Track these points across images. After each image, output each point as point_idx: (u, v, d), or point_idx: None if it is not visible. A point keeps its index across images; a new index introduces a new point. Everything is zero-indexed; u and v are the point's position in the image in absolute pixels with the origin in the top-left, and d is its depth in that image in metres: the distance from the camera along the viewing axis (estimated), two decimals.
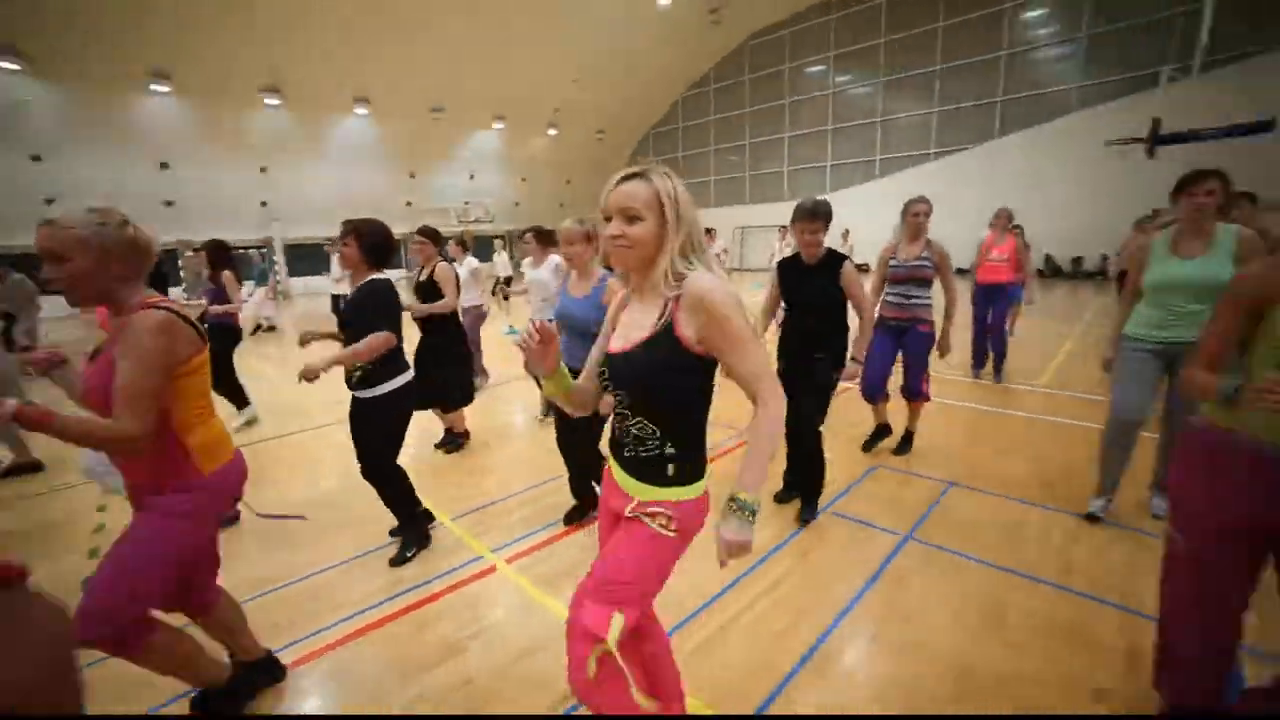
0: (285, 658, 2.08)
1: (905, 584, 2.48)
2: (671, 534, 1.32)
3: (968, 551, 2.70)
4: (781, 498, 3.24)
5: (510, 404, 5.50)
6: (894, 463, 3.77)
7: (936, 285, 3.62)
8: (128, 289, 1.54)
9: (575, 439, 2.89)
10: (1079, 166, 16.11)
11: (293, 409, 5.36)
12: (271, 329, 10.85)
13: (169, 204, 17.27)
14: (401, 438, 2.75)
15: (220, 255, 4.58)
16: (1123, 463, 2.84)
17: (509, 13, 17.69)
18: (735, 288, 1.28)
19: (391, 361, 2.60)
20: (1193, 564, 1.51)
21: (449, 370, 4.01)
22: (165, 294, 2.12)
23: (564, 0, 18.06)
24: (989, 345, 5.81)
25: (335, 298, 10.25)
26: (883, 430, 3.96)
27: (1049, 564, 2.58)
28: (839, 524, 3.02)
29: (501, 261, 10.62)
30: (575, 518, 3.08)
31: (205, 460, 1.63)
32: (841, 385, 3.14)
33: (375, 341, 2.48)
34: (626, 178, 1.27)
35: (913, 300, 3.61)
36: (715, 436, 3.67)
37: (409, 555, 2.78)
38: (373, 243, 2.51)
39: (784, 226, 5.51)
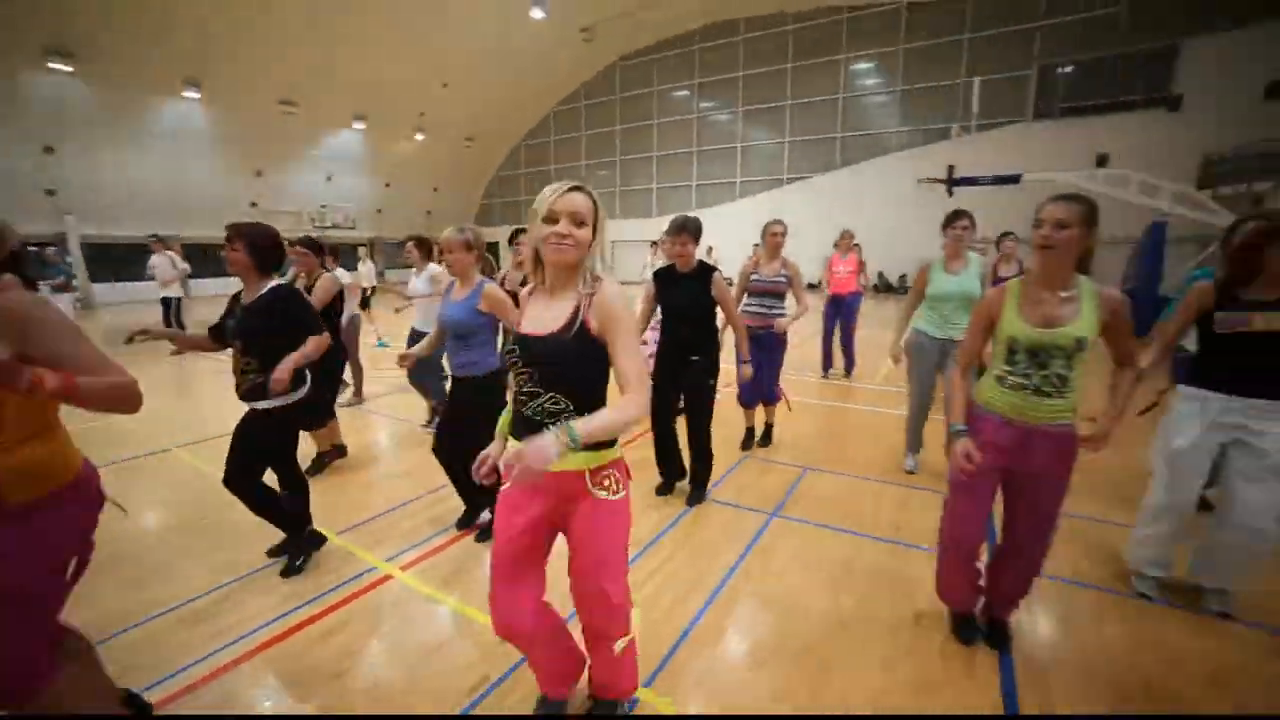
0: (153, 696, 1.93)
1: (772, 553, 2.88)
2: (622, 494, 1.56)
3: (821, 521, 3.20)
4: (662, 491, 3.53)
5: (389, 417, 5.30)
6: (758, 453, 4.26)
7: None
8: None
9: (459, 445, 2.94)
10: (900, 198, 18.85)
11: (122, 435, 4.71)
12: None
13: None
14: (287, 452, 2.65)
15: None
16: (920, 429, 3.79)
17: (363, 6, 16.70)
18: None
19: (298, 372, 2.52)
20: (961, 501, 2.08)
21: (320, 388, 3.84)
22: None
23: (428, 0, 17.47)
24: (842, 350, 6.74)
25: (166, 302, 9.04)
26: (751, 433, 4.39)
27: (883, 525, 3.15)
28: (714, 509, 3.38)
29: (367, 271, 10.01)
30: (467, 522, 3.12)
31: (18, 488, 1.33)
32: (720, 386, 3.51)
33: (320, 343, 2.52)
34: (573, 189, 1.48)
35: (773, 311, 4.05)
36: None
37: (299, 564, 2.67)
38: (264, 247, 2.42)
39: (655, 241, 5.92)
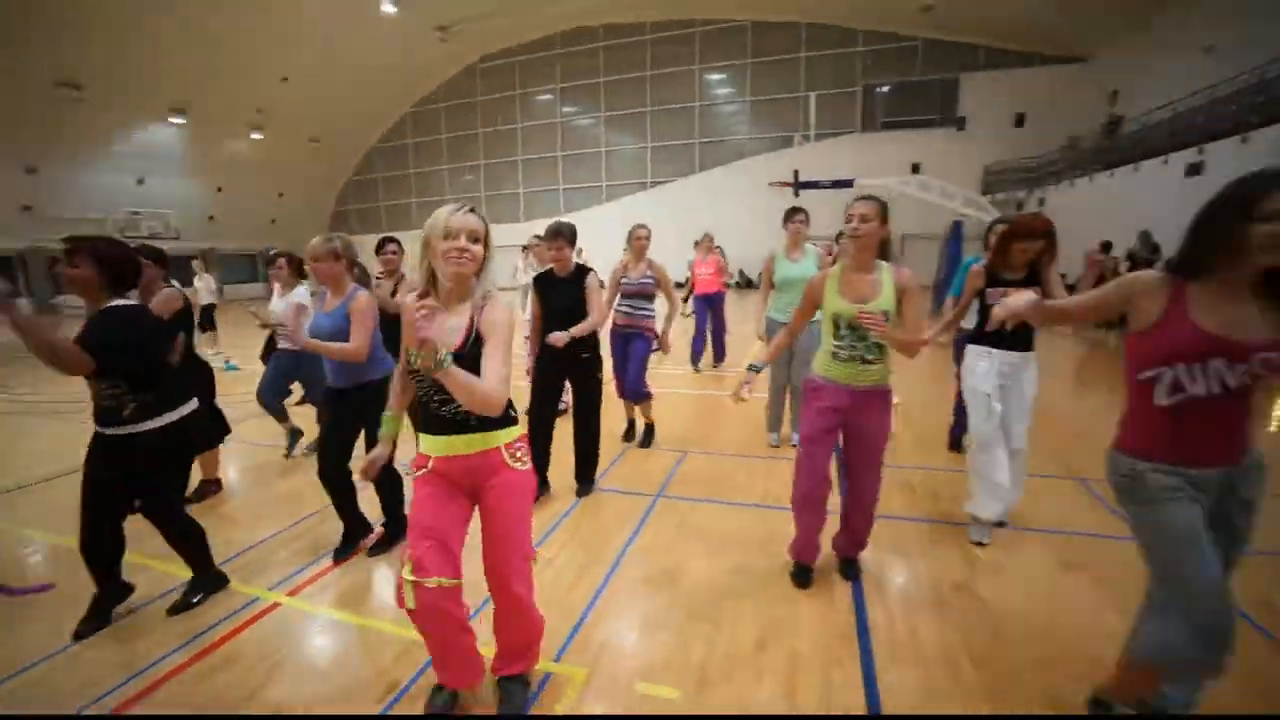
0: None
1: (660, 529, 3.15)
2: (529, 465, 1.79)
3: (701, 497, 3.53)
4: (541, 491, 3.58)
5: (249, 445, 4.86)
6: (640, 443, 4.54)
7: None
8: None
9: (347, 461, 2.88)
10: (754, 199, 20.46)
11: None
12: None
13: None
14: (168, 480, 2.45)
15: None
16: (779, 407, 4.27)
17: None
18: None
19: (164, 390, 2.32)
20: (807, 457, 2.45)
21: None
22: None
23: None
24: (711, 343, 7.25)
25: None
26: (634, 426, 4.62)
27: (754, 493, 3.56)
28: (603, 497, 3.59)
29: (204, 285, 8.92)
30: (345, 553, 2.93)
31: None
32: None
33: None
34: (469, 210, 1.65)
35: (640, 312, 4.22)
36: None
37: (195, 601, 2.48)
38: (118, 265, 2.20)
39: (526, 246, 6.00)
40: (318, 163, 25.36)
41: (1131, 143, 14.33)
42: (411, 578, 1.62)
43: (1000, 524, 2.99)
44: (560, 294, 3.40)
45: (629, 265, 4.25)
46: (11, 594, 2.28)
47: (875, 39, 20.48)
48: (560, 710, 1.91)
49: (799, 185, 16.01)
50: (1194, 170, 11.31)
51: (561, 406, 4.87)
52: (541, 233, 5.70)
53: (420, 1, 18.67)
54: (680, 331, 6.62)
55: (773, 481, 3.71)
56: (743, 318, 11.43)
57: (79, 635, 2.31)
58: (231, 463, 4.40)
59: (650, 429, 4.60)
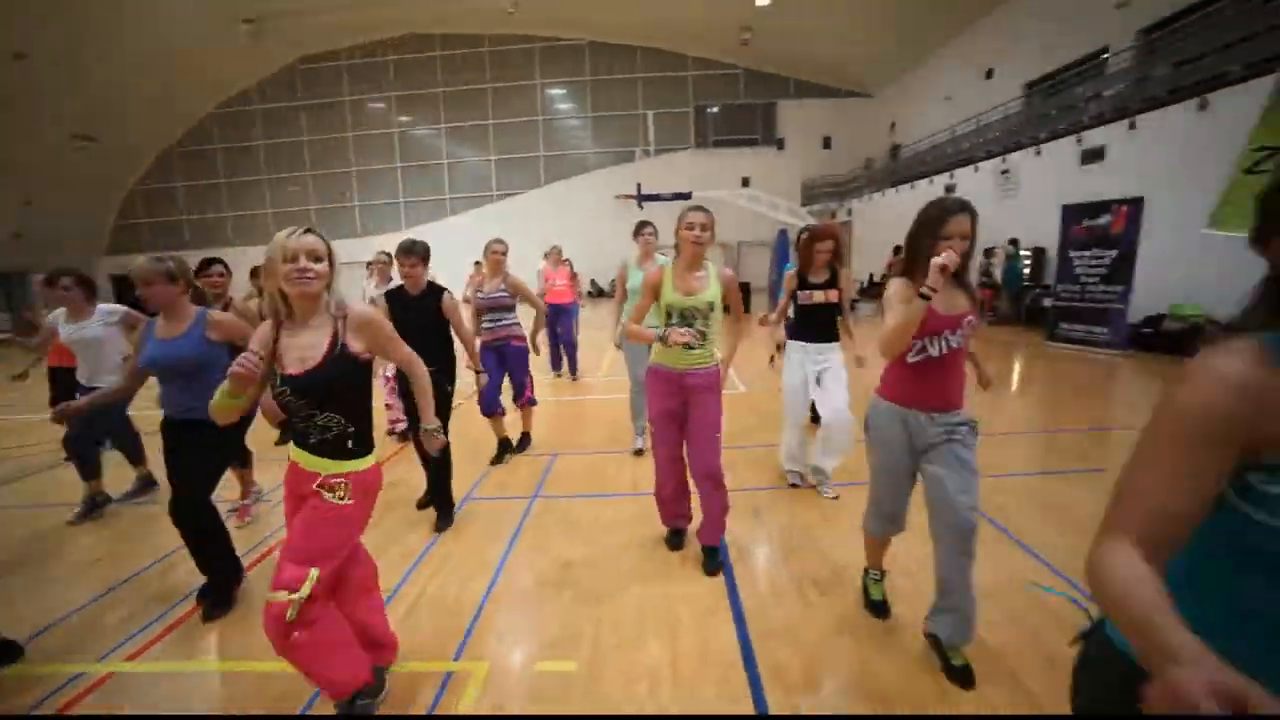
0: None
1: (539, 527, 3.30)
2: (348, 502, 1.76)
3: (575, 493, 3.73)
4: (423, 504, 3.56)
5: (29, 506, 4.08)
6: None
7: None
8: None
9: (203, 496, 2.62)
10: (601, 211, 21.14)
11: None
12: None
13: None
14: None
15: None
16: (642, 407, 4.34)
17: None
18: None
19: None
20: (657, 434, 2.76)
21: None
22: None
23: None
24: (564, 352, 7.42)
25: None
26: (505, 445, 4.46)
27: (624, 484, 3.83)
28: (481, 505, 3.64)
29: None
30: (222, 601, 2.63)
31: None
32: (457, 400, 3.70)
33: None
34: (305, 231, 1.69)
35: (502, 323, 4.25)
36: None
37: None
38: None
39: (370, 262, 5.74)
40: (88, 165, 21.03)
41: (907, 165, 17.28)
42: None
43: (826, 480, 3.60)
44: (414, 312, 3.33)
45: (485, 280, 4.27)
46: None
47: (703, 65, 22.31)
48: (468, 700, 1.98)
49: (642, 198, 16.91)
50: (950, 190, 13.97)
51: (403, 426, 4.78)
52: (385, 249, 5.54)
53: None
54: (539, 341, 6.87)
55: (641, 471, 4.01)
56: (599, 324, 11.85)
57: None
58: (34, 524, 3.68)
59: (526, 436, 4.67)
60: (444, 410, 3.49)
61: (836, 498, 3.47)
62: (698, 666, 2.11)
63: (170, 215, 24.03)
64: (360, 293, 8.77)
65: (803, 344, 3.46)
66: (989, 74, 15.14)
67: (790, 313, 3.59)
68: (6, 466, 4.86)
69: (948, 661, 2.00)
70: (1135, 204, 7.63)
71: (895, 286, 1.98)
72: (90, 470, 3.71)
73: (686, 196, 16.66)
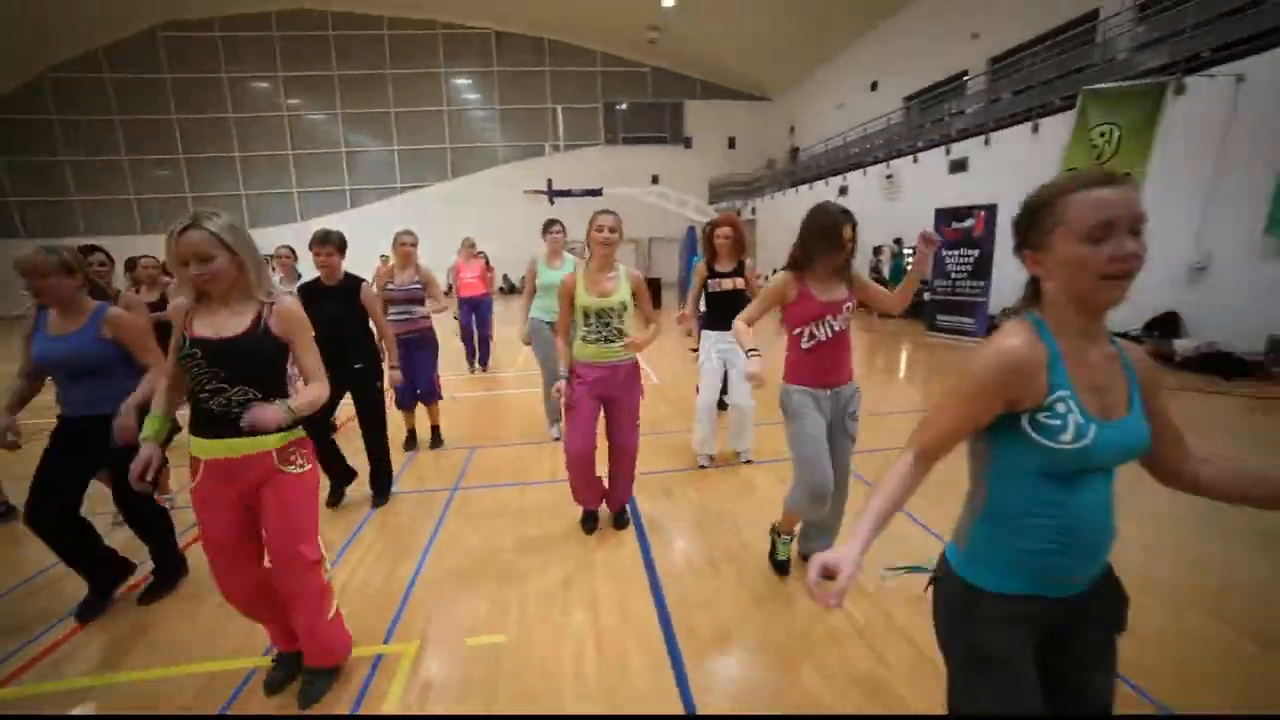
0: None
1: (463, 515, 3.38)
2: (308, 467, 1.84)
3: (496, 483, 3.83)
4: (332, 501, 3.53)
5: None
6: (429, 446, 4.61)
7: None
8: None
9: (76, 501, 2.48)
10: (512, 206, 20.80)
11: None
12: None
13: None
14: None
15: None
16: (556, 402, 4.43)
17: None
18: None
19: None
20: (575, 427, 2.90)
21: None
22: None
23: None
24: (477, 346, 7.39)
25: None
26: (414, 435, 4.55)
27: (544, 472, 3.97)
28: (402, 498, 3.65)
29: None
30: (98, 606, 2.54)
31: None
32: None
33: None
34: (185, 229, 1.62)
35: (413, 316, 4.27)
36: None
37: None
38: None
39: (271, 255, 5.46)
40: None
41: (805, 167, 18.46)
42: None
43: (741, 455, 3.97)
44: (332, 304, 3.30)
45: (395, 271, 4.26)
46: None
47: (611, 61, 22.51)
48: (400, 679, 2.07)
49: (553, 193, 16.87)
50: (843, 191, 15.13)
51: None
52: (285, 243, 5.30)
53: None
54: (451, 333, 6.89)
55: (559, 461, 4.13)
56: (511, 320, 11.78)
57: None
58: None
59: (436, 431, 4.64)
60: (379, 404, 3.51)
61: (749, 461, 3.92)
62: (620, 632, 2.32)
63: None
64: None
65: (714, 332, 3.75)
66: (874, 86, 16.49)
67: (703, 304, 3.87)
68: None
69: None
70: (991, 210, 8.72)
71: (778, 279, 2.29)
72: None
73: (597, 193, 16.81)
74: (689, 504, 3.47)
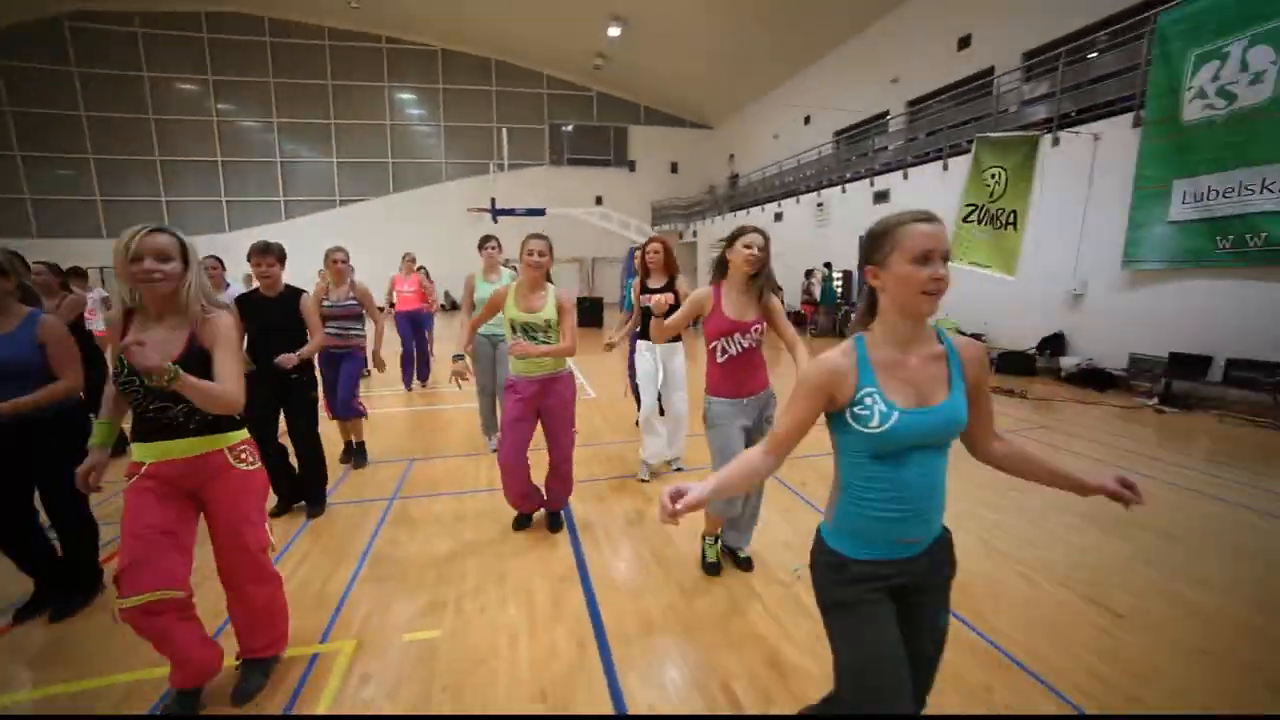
0: None
1: (401, 523, 3.46)
2: (256, 466, 1.93)
3: (434, 492, 3.92)
4: (278, 511, 3.54)
5: None
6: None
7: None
8: None
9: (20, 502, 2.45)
10: (455, 223, 20.64)
11: None
12: None
13: None
14: None
15: None
16: (491, 412, 4.71)
17: None
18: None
19: None
20: (510, 440, 3.07)
21: None
22: None
23: None
24: (416, 362, 7.37)
25: None
26: (351, 445, 4.54)
27: (482, 481, 4.09)
28: (338, 508, 3.69)
29: None
30: (64, 608, 2.52)
31: None
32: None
33: None
34: (153, 231, 1.70)
35: (349, 332, 4.29)
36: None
37: None
38: None
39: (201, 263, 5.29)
40: None
41: (744, 193, 19.32)
42: (120, 602, 1.68)
43: (673, 464, 4.21)
44: (276, 316, 3.35)
45: (329, 288, 4.29)
46: None
47: (557, 84, 22.92)
48: (337, 674, 2.16)
49: (496, 212, 16.94)
50: (778, 218, 15.95)
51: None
52: (213, 254, 5.20)
53: None
54: (391, 353, 6.80)
55: (497, 471, 4.28)
56: (451, 336, 11.74)
57: None
58: None
59: (361, 447, 4.56)
60: (313, 413, 3.55)
61: (680, 469, 4.13)
62: (551, 622, 2.48)
63: None
64: None
65: (650, 343, 3.99)
66: (807, 120, 17.55)
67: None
68: None
69: (737, 556, 2.76)
70: None
71: (699, 291, 2.58)
72: None
73: (540, 213, 16.99)
74: (621, 509, 3.67)
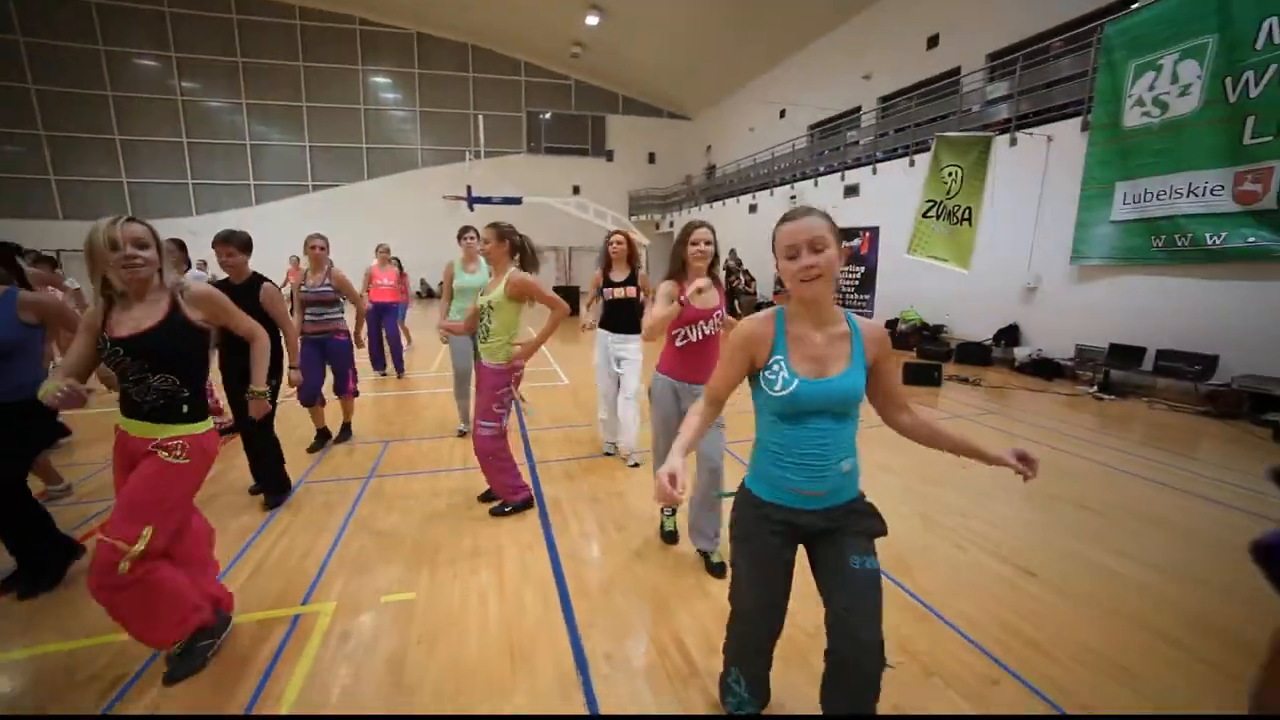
0: None
1: (378, 499, 3.60)
2: (185, 461, 1.93)
3: (410, 471, 4.07)
4: (256, 489, 3.64)
5: None
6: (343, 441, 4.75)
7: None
8: None
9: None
10: (431, 211, 20.42)
11: None
12: None
13: None
14: None
15: None
16: (465, 400, 4.76)
17: None
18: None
19: None
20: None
21: None
22: None
23: None
24: (388, 350, 7.41)
25: None
26: (323, 434, 4.59)
27: (456, 461, 4.25)
28: (316, 487, 3.81)
29: None
30: (44, 581, 2.59)
31: None
32: (285, 392, 3.77)
33: None
34: (129, 220, 1.84)
35: (325, 317, 4.37)
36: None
37: None
38: None
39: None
40: None
41: (720, 184, 19.53)
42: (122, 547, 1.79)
43: (635, 465, 4.33)
44: (239, 303, 3.35)
45: (308, 274, 4.37)
46: None
47: (535, 71, 22.74)
48: (318, 632, 2.32)
49: (473, 200, 16.86)
50: (752, 209, 16.21)
51: (222, 422, 4.57)
52: (173, 237, 5.20)
53: None
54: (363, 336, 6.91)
55: (470, 450, 4.43)
56: (429, 324, 11.76)
57: None
58: None
59: (347, 426, 4.74)
60: (270, 401, 3.60)
61: (637, 465, 4.22)
62: (519, 585, 2.68)
63: None
64: None
65: (607, 333, 4.17)
66: (782, 113, 17.81)
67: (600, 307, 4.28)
68: None
69: (709, 561, 2.80)
70: (875, 231, 9.82)
71: (664, 287, 2.75)
72: None
73: (517, 201, 16.96)
74: (587, 484, 3.88)
